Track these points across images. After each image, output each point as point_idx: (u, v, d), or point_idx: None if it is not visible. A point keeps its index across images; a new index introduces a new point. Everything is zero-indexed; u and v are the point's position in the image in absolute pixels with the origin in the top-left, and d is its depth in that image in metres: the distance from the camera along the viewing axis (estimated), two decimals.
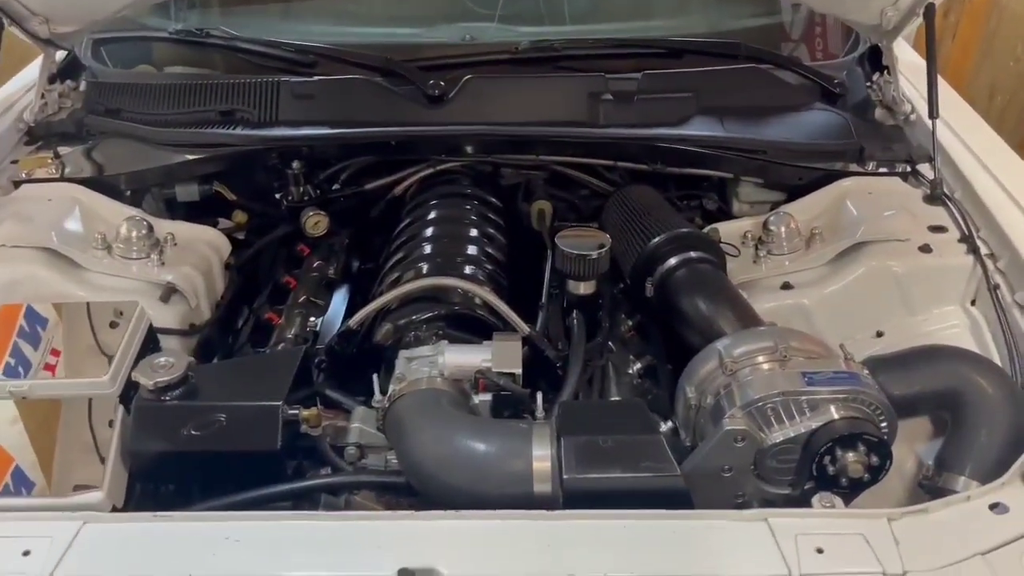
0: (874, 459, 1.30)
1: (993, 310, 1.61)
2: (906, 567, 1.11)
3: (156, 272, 1.78)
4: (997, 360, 1.56)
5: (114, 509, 1.28)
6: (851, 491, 1.34)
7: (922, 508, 1.21)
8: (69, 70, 2.31)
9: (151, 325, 1.59)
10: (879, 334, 1.70)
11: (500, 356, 1.37)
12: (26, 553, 1.13)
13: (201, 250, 1.89)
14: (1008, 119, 4.13)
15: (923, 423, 1.54)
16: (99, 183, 1.92)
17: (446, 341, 1.43)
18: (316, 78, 2.04)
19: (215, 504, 1.30)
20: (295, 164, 1.94)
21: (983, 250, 1.68)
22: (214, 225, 2.06)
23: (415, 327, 1.54)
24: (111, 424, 1.38)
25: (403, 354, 1.44)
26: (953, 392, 1.45)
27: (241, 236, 2.10)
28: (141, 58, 2.41)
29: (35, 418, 1.40)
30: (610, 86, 2.01)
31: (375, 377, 1.37)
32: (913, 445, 1.54)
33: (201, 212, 2.08)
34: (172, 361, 1.37)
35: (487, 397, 1.38)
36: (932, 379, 1.46)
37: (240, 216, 2.08)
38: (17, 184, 1.92)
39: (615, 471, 1.23)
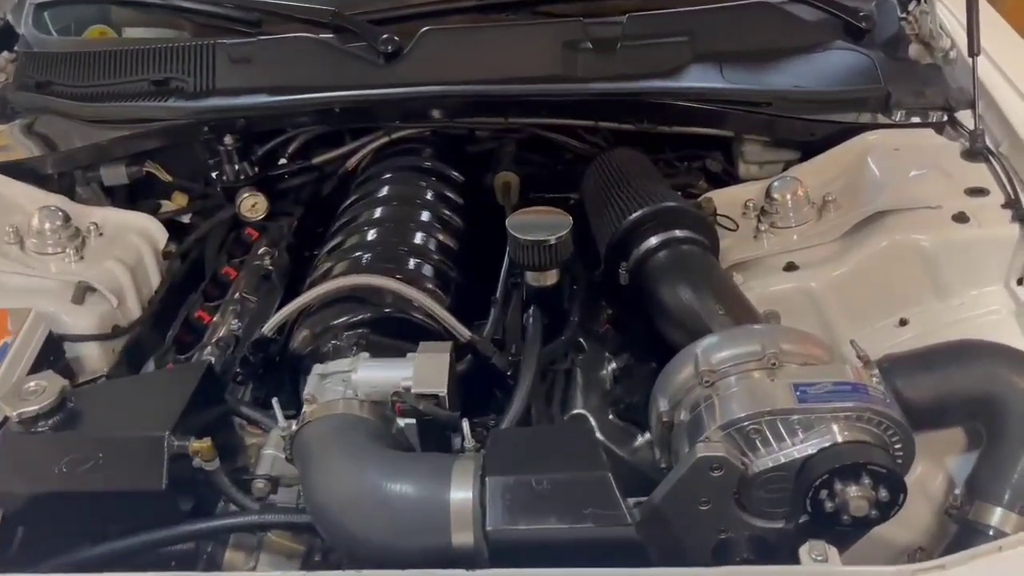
0: (883, 493, 1.04)
1: None
2: None
3: (73, 268, 1.58)
4: None
5: None
6: (855, 530, 1.09)
7: (939, 564, 0.96)
8: (7, 40, 2.12)
9: (51, 333, 1.41)
10: (903, 322, 1.42)
11: (423, 374, 1.14)
12: None
13: (129, 240, 1.69)
14: None
15: (955, 433, 1.27)
16: (18, 168, 1.73)
17: (365, 354, 1.20)
18: (256, 39, 1.80)
19: (88, 557, 1.11)
20: (228, 139, 1.71)
21: None
22: (156, 209, 1.86)
23: (334, 333, 1.32)
24: None
25: (316, 369, 1.21)
26: (988, 399, 1.18)
27: (187, 219, 1.89)
28: (96, 18, 2.20)
29: None
30: (589, 32, 1.72)
31: (275, 402, 1.15)
32: (942, 459, 1.28)
33: (142, 195, 1.88)
34: (44, 385, 1.17)
35: (413, 420, 1.16)
36: (962, 383, 1.20)
37: (180, 198, 1.87)
38: None
39: (550, 520, 1.00)
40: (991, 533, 1.12)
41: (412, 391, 1.12)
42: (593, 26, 1.73)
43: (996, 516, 1.13)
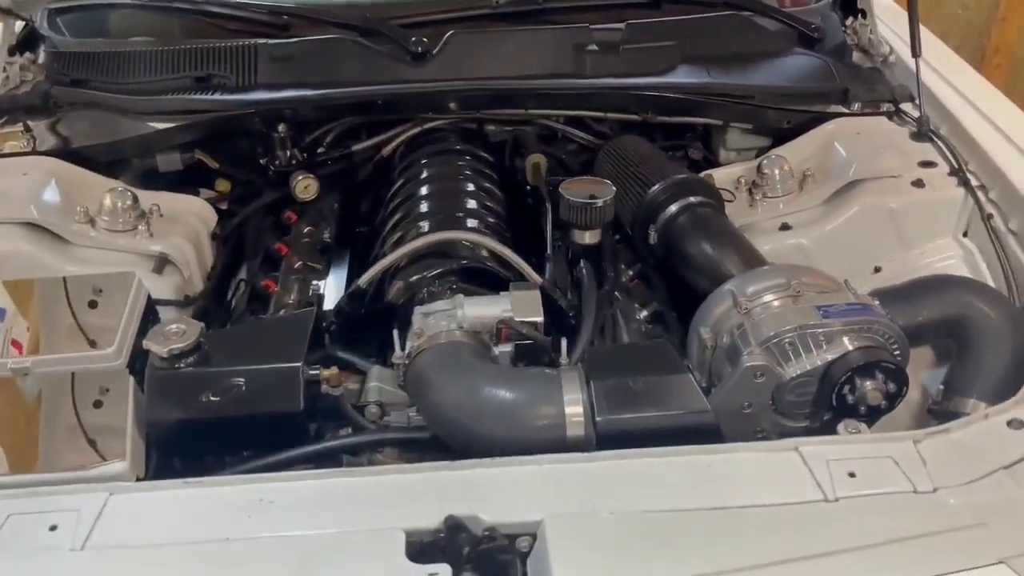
0: (891, 386, 1.33)
1: (985, 240, 1.66)
2: (936, 484, 1.15)
3: (146, 243, 1.72)
4: (992, 287, 1.61)
5: (137, 480, 1.25)
6: (868, 419, 1.36)
7: (943, 428, 1.24)
8: (27, 42, 2.22)
9: (149, 296, 1.55)
10: (877, 269, 1.74)
11: (520, 305, 1.36)
12: (53, 528, 1.10)
13: (188, 220, 1.84)
14: None
15: (925, 352, 1.58)
16: (76, 155, 1.85)
17: (461, 295, 1.42)
18: (296, 39, 1.99)
19: (240, 469, 1.28)
20: (281, 128, 1.89)
21: (973, 182, 1.72)
22: (195, 195, 2.01)
23: (427, 283, 1.53)
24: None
25: (419, 310, 1.42)
26: (958, 319, 1.48)
27: (224, 206, 2.04)
28: (97, 30, 2.31)
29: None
30: (595, 37, 1.99)
31: (395, 333, 1.35)
32: (916, 374, 1.58)
33: (180, 183, 2.02)
34: (184, 328, 1.33)
35: (508, 348, 1.37)
36: (937, 307, 1.50)
37: (223, 185, 2.02)
38: None
39: (647, 411, 1.24)
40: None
41: (515, 319, 1.34)
42: (598, 31, 2.00)
43: (969, 405, 1.42)
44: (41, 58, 2.17)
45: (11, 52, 2.12)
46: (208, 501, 1.16)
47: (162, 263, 1.68)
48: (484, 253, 1.58)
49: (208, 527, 1.12)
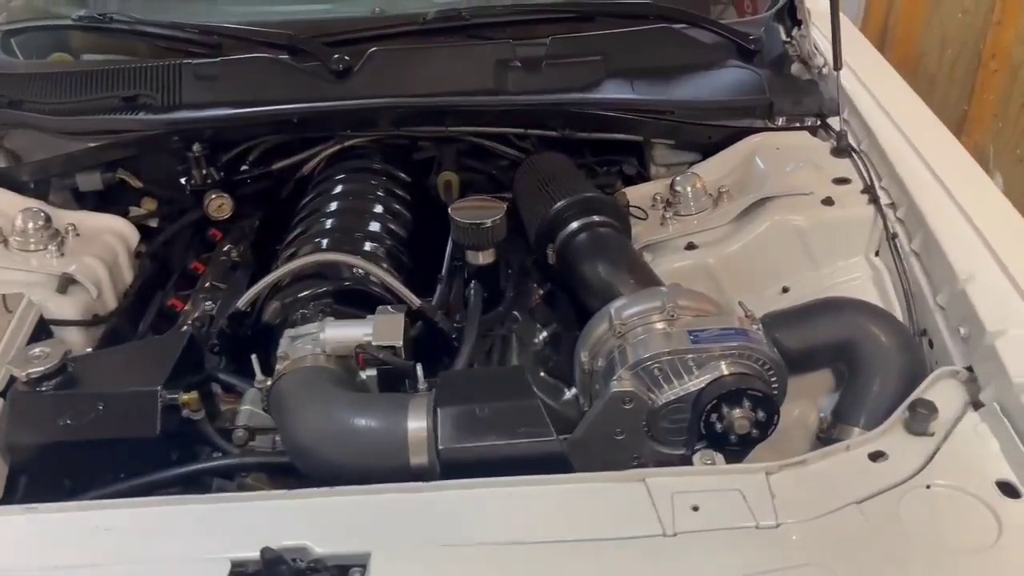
0: (760, 414, 1.29)
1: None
2: (780, 519, 1.11)
3: (55, 263, 1.74)
4: (898, 310, 1.55)
5: None
6: (742, 448, 1.32)
7: (800, 460, 1.20)
8: None
9: (41, 317, 1.57)
10: (785, 290, 1.68)
11: (381, 329, 1.35)
12: None
13: (105, 240, 1.85)
14: (958, 70, 4.09)
15: (826, 377, 1.53)
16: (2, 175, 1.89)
17: (331, 318, 1.41)
18: (219, 59, 2.00)
19: (96, 495, 1.28)
20: (196, 147, 1.90)
21: (884, 200, 1.66)
22: (124, 214, 2.03)
23: (302, 304, 1.52)
24: None
25: (288, 333, 1.41)
26: (848, 343, 1.44)
27: (154, 224, 2.06)
28: (57, 46, 2.36)
29: None
30: (518, 52, 1.97)
31: (254, 358, 1.34)
32: (816, 399, 1.53)
33: (111, 202, 2.04)
34: (47, 351, 1.34)
35: (374, 372, 1.36)
36: (828, 331, 1.46)
37: (149, 203, 2.04)
38: None
39: (490, 438, 1.22)
40: None
41: (373, 343, 1.33)
42: (521, 47, 1.98)
43: (854, 434, 1.37)
44: None
45: None
46: (48, 528, 1.16)
47: (66, 283, 1.69)
48: (371, 276, 1.56)
49: (44, 554, 1.13)
